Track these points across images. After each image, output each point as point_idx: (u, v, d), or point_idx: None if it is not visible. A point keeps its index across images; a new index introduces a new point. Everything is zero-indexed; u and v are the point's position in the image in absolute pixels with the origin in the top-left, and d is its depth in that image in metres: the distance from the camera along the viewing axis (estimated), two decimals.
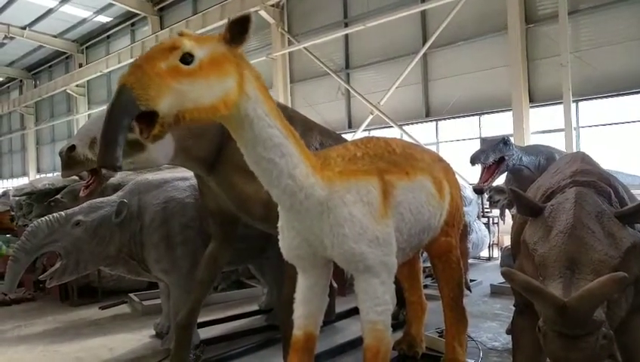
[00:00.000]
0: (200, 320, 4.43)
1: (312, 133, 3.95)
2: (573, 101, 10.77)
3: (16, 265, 4.29)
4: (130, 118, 1.78)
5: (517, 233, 2.92)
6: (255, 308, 5.86)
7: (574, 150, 9.85)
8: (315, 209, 2.39)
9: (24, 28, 24.27)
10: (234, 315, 5.62)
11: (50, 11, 22.73)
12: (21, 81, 32.40)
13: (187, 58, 1.89)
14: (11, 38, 24.36)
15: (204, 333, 4.85)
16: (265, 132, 2.17)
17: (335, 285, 5.38)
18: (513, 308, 3.02)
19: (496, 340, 4.55)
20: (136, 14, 22.35)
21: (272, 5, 16.12)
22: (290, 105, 15.66)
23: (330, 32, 15.12)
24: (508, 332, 4.40)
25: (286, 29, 16.59)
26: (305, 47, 15.71)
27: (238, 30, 2.04)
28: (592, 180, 2.68)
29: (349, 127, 15.51)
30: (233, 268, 6.41)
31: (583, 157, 3.13)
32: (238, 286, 7.10)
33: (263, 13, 15.80)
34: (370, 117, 14.54)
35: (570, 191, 2.60)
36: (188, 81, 1.87)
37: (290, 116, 3.77)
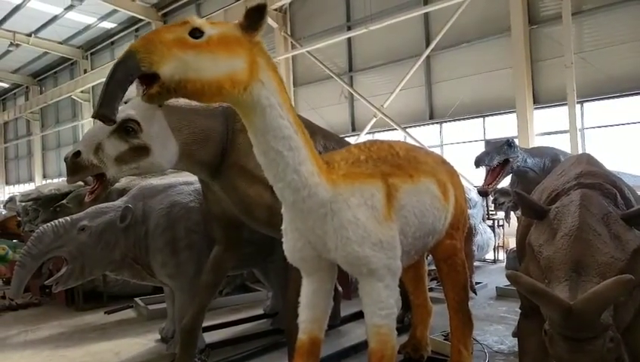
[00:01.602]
0: (205, 324, 4.44)
1: (315, 136, 3.94)
2: (578, 102, 10.73)
3: (22, 271, 4.31)
4: (131, 77, 1.88)
5: (522, 236, 2.91)
6: (260, 312, 5.85)
7: (579, 151, 9.81)
8: (317, 210, 2.38)
9: (30, 35, 24.45)
10: (239, 319, 5.62)
11: (55, 18, 22.90)
12: (27, 87, 32.61)
13: (196, 33, 1.97)
14: (17, 45, 24.54)
15: (209, 337, 4.85)
16: (276, 122, 2.19)
17: (340, 288, 5.37)
18: (519, 311, 3.01)
19: (502, 343, 4.53)
20: (140, 20, 22.47)
21: (276, 9, 16.18)
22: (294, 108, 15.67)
23: (333, 35, 15.15)
24: (514, 335, 4.37)
25: (289, 33, 16.64)
26: (308, 51, 15.75)
27: (255, 18, 2.11)
28: (598, 182, 2.66)
29: (353, 130, 15.52)
30: (238, 273, 6.42)
31: (588, 159, 3.11)
32: (242, 290, 7.10)
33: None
34: (374, 120, 14.55)
35: (575, 194, 2.59)
36: (193, 52, 1.94)
37: None
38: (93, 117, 2.02)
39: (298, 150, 2.26)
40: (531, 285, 2.08)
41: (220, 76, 2.00)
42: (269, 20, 15.98)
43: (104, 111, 1.88)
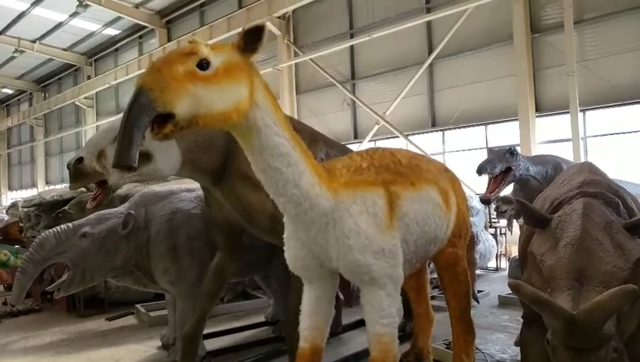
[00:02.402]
0: (206, 331, 4.43)
1: (317, 143, 3.96)
2: (580, 110, 10.73)
3: (24, 277, 4.31)
4: (147, 120, 1.80)
5: (524, 244, 2.91)
6: (261, 319, 5.83)
7: (581, 160, 9.79)
8: (319, 219, 2.38)
9: (34, 41, 24.62)
10: (240, 326, 5.60)
11: (59, 25, 23.06)
12: (31, 93, 32.79)
13: (203, 64, 1.92)
14: (22, 52, 24.71)
15: (210, 344, 4.83)
16: (272, 141, 2.18)
17: (341, 296, 5.36)
18: (521, 320, 2.99)
19: (504, 352, 4.50)
20: (144, 27, 22.61)
21: (279, 17, 16.26)
22: (296, 116, 15.73)
23: (336, 43, 15.20)
24: (516, 344, 4.34)
25: (292, 41, 16.70)
26: (311, 59, 15.80)
27: (252, 39, 2.07)
28: (600, 191, 2.66)
29: (355, 137, 15.53)
30: (239, 280, 6.40)
31: (591, 168, 3.11)
32: (244, 297, 7.08)
33: (269, 25, 15.85)
34: (376, 127, 14.56)
35: (577, 202, 2.59)
36: (203, 86, 1.89)
37: (295, 128, 3.77)
38: (114, 167, 1.95)
39: (297, 165, 2.26)
40: (534, 294, 2.07)
41: (228, 108, 1.97)
42: (272, 28, 16.07)
43: (124, 161, 1.82)
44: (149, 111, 1.79)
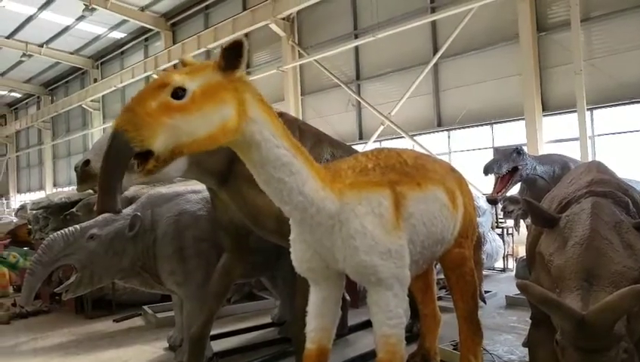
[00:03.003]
0: (213, 332, 4.43)
1: (322, 145, 3.96)
2: (588, 109, 10.65)
3: (32, 278, 4.34)
4: (125, 162, 1.81)
5: (532, 244, 2.88)
6: (268, 320, 5.83)
7: (589, 159, 9.71)
8: (326, 222, 2.38)
9: (41, 45, 24.82)
10: (247, 328, 5.61)
11: (66, 29, 23.24)
12: (38, 97, 33.05)
13: (179, 92, 1.87)
14: (29, 56, 24.91)
15: (217, 346, 4.84)
16: (272, 153, 2.17)
17: (348, 297, 5.34)
18: (529, 321, 2.97)
19: (512, 353, 4.47)
20: (150, 30, 22.72)
21: (283, 18, 16.26)
22: (300, 117, 15.73)
23: (341, 43, 15.19)
24: (524, 345, 4.31)
25: (296, 42, 16.71)
26: (315, 60, 15.80)
27: (233, 56, 2.01)
28: (609, 190, 2.64)
29: (360, 138, 15.51)
30: (246, 281, 6.41)
31: (599, 167, 3.09)
32: (250, 298, 7.09)
33: (273, 26, 15.96)
34: (381, 128, 14.53)
35: (586, 202, 2.56)
36: (181, 116, 1.85)
37: (301, 129, 3.79)
38: (97, 213, 2.00)
39: (299, 173, 2.25)
40: (543, 295, 2.05)
41: (213, 131, 1.94)
42: (277, 29, 16.09)
43: (107, 206, 1.85)
44: (126, 152, 1.78)
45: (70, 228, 4.52)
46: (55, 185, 30.97)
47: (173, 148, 1.85)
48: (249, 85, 2.13)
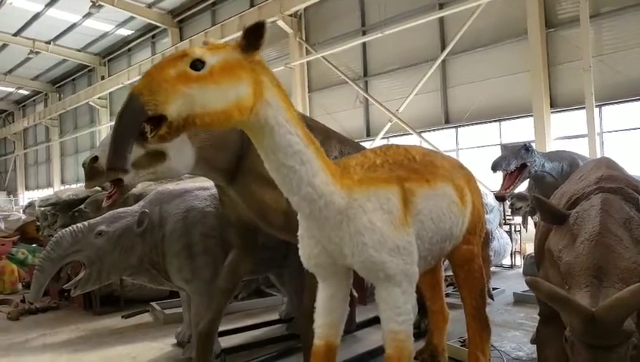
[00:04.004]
0: (221, 328, 4.45)
1: (330, 141, 3.95)
2: (596, 106, 10.58)
3: (41, 275, 4.37)
4: (138, 123, 1.84)
5: (541, 241, 2.87)
6: (275, 317, 5.85)
7: (598, 156, 9.65)
8: (334, 217, 2.38)
9: (49, 42, 24.97)
10: (254, 324, 5.62)
11: (73, 26, 23.35)
12: (46, 94, 33.26)
13: (197, 64, 1.92)
14: (37, 53, 25.05)
15: (225, 342, 4.86)
16: (285, 139, 2.17)
17: (355, 294, 5.35)
18: (537, 317, 2.96)
19: (520, 350, 4.46)
20: (157, 27, 22.80)
21: (290, 15, 16.27)
22: (308, 114, 15.74)
23: (348, 40, 15.17)
24: (532, 341, 4.30)
25: (304, 39, 16.71)
26: (323, 56, 15.79)
27: (254, 37, 2.05)
28: (619, 186, 2.62)
29: (368, 135, 15.49)
30: (254, 277, 6.43)
31: (608, 163, 3.06)
32: (258, 295, 7.11)
33: (280, 23, 15.96)
34: (389, 124, 14.51)
35: (595, 198, 2.55)
36: (197, 86, 1.89)
37: (309, 125, 3.76)
38: (107, 169, 2.00)
39: (310, 163, 2.25)
40: (552, 291, 2.04)
41: (227, 105, 1.96)
42: (284, 26, 16.09)
43: (116, 163, 1.85)
44: (140, 115, 1.82)
45: (78, 224, 4.54)
46: (63, 182, 31.20)
47: (186, 117, 1.88)
48: (267, 70, 2.16)
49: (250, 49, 2.06)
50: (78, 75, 30.19)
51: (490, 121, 12.84)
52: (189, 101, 1.87)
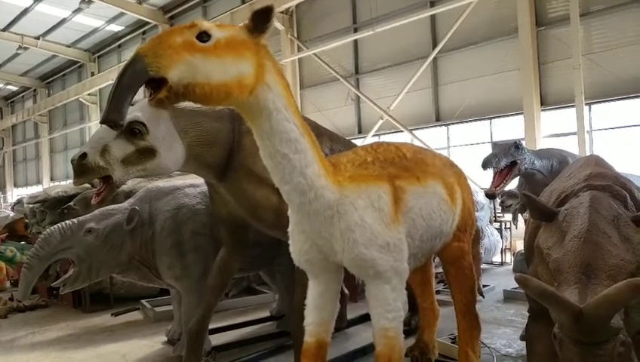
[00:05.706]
0: (211, 326, 4.44)
1: (321, 138, 3.93)
2: (586, 104, 10.65)
3: (30, 272, 4.33)
4: (139, 82, 1.88)
5: (530, 238, 2.89)
6: (266, 314, 5.84)
7: (587, 153, 9.73)
8: (324, 211, 2.37)
9: (38, 38, 24.63)
10: (245, 322, 5.62)
11: (63, 21, 23.06)
12: (35, 90, 32.85)
13: (203, 37, 1.96)
14: (25, 48, 24.73)
15: (216, 340, 4.85)
16: (282, 125, 2.18)
17: (346, 291, 5.35)
18: (527, 314, 2.98)
19: (510, 346, 4.49)
20: (147, 23, 22.57)
21: (282, 12, 16.19)
22: (299, 110, 15.69)
23: (340, 37, 15.14)
24: (522, 338, 4.34)
25: (295, 36, 16.65)
26: (314, 53, 15.75)
27: (261, 20, 2.11)
28: (607, 184, 2.64)
29: (359, 132, 15.48)
30: (244, 275, 6.41)
31: (597, 161, 3.09)
32: (249, 292, 7.10)
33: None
34: (380, 122, 14.51)
35: (584, 195, 2.56)
36: (201, 56, 1.93)
37: None
38: (102, 122, 2.02)
39: (304, 153, 2.25)
40: (541, 288, 2.06)
41: (228, 80, 1.99)
42: (276, 23, 15.99)
43: (112, 116, 1.88)
44: (141, 75, 1.86)
45: (67, 221, 4.51)
46: (52, 178, 30.88)
47: (187, 84, 1.91)
48: (271, 56, 2.21)
49: (256, 32, 2.12)
50: (67, 71, 29.83)
51: (481, 119, 12.89)
52: (192, 69, 1.91)
